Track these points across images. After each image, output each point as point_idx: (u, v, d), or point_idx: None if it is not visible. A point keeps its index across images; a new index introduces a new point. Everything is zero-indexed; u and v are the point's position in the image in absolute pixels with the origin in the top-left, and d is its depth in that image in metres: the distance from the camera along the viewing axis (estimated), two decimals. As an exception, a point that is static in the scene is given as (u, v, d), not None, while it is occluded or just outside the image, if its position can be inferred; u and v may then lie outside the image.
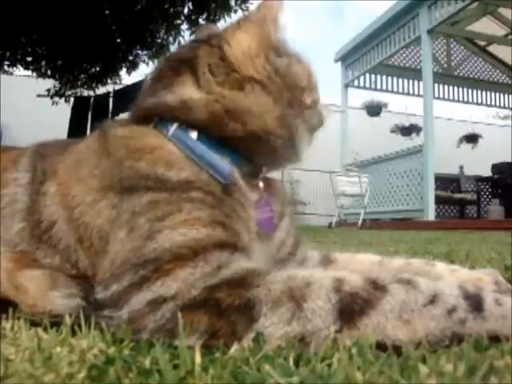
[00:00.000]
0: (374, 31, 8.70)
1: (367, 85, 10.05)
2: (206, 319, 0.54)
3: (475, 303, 0.54)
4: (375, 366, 0.44)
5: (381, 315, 0.53)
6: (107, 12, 6.28)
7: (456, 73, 10.57)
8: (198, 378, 0.43)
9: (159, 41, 6.97)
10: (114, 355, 0.50)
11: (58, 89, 7.79)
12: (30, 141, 0.93)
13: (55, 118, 7.41)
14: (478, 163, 10.09)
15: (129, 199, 0.69)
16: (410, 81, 10.27)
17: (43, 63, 7.22)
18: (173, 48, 7.06)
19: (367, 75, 9.92)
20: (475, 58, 10.65)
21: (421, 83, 8.75)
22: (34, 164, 0.82)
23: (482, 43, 10.26)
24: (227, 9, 6.24)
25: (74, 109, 7.83)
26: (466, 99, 10.96)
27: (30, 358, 0.50)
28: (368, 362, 0.46)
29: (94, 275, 0.68)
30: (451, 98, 10.82)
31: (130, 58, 7.26)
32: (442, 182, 9.30)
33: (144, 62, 7.37)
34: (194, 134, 0.75)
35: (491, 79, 10.78)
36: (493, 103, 11.13)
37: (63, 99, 7.87)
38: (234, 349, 0.51)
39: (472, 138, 11.06)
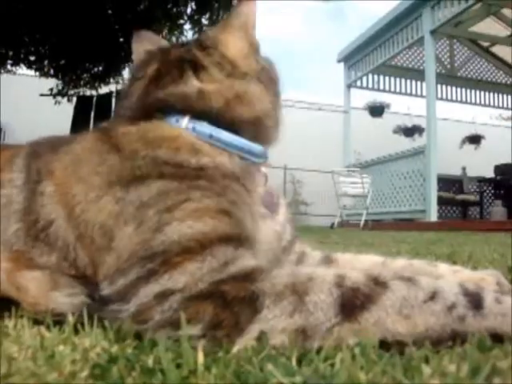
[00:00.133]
0: (377, 32, 8.69)
1: (370, 85, 10.04)
2: (211, 309, 0.55)
3: (475, 301, 0.55)
4: (378, 366, 0.44)
5: (381, 310, 0.54)
6: (110, 12, 6.29)
7: (459, 74, 10.56)
8: (200, 377, 0.43)
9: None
10: (116, 354, 0.50)
11: (60, 88, 7.80)
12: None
13: (58, 118, 7.41)
14: (481, 164, 10.06)
15: (136, 190, 0.70)
16: (413, 81, 10.26)
17: (46, 62, 7.23)
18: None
19: (370, 76, 9.91)
20: (478, 59, 10.64)
21: (424, 84, 8.74)
22: (29, 164, 0.82)
23: (486, 44, 10.24)
24: (230, 9, 6.24)
25: (76, 108, 7.84)
26: (468, 100, 10.94)
27: (33, 357, 0.50)
28: (371, 361, 0.46)
29: (94, 273, 0.68)
30: (454, 98, 10.81)
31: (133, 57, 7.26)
32: (445, 182, 9.29)
33: (147, 61, 7.37)
34: (205, 124, 0.80)
35: (494, 80, 10.77)
36: (496, 104, 11.11)
37: (66, 99, 7.88)
38: (237, 348, 0.51)
39: (475, 139, 11.03)
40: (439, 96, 9.95)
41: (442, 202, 8.23)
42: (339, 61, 10.14)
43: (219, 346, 0.53)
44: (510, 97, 10.98)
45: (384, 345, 0.52)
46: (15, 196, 0.78)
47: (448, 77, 10.33)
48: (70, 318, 0.64)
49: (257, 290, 0.56)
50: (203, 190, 0.69)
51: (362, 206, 7.64)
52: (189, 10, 6.42)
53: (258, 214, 0.79)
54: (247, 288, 0.56)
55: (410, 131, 10.70)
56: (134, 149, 0.74)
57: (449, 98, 10.73)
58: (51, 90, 7.80)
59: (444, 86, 10.56)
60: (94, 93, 7.91)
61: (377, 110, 10.20)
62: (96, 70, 7.48)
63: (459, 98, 10.86)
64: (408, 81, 10.30)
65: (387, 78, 10.19)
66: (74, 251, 0.71)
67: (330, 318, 0.54)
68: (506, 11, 8.40)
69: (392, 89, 10.27)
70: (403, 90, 10.36)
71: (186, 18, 6.50)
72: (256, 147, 0.83)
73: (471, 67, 10.67)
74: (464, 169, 10.43)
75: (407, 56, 10.04)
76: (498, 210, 8.39)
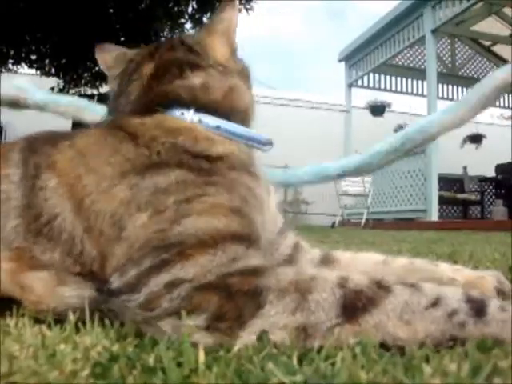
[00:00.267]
0: (378, 31, 8.68)
1: (371, 84, 10.04)
2: (216, 300, 0.56)
3: (477, 307, 0.55)
4: (379, 365, 0.44)
5: (382, 314, 0.54)
6: (111, 11, 6.30)
7: (460, 73, 10.54)
8: (201, 376, 0.43)
9: (163, 40, 6.98)
10: (117, 353, 0.50)
11: (61, 87, 7.80)
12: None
13: (58, 117, 7.41)
14: (482, 164, 10.04)
15: (152, 177, 0.70)
16: (414, 81, 10.25)
17: (47, 61, 7.25)
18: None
19: (371, 75, 9.91)
20: (480, 58, 10.62)
21: (425, 83, 8.73)
22: (25, 159, 0.81)
23: (487, 43, 10.23)
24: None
25: (77, 107, 7.85)
26: (470, 99, 10.92)
27: (34, 355, 0.50)
28: (372, 361, 0.46)
29: (101, 267, 0.68)
30: (455, 98, 10.79)
31: (134, 56, 7.26)
32: (446, 182, 9.27)
33: (148, 60, 7.37)
34: (210, 116, 0.84)
35: (496, 79, 10.75)
36: (497, 104, 11.09)
37: (67, 97, 7.90)
38: (238, 347, 0.51)
39: (476, 139, 11.02)
40: (440, 95, 9.93)
41: (442, 201, 8.22)
42: (340, 60, 10.13)
43: (221, 339, 0.54)
44: (511, 96, 10.96)
45: (384, 345, 0.52)
46: (13, 192, 0.77)
47: (449, 76, 10.32)
48: (71, 317, 0.64)
49: (261, 284, 0.57)
50: (218, 185, 0.71)
51: (363, 206, 7.64)
52: (190, 9, 6.43)
53: (264, 198, 0.82)
54: (252, 282, 0.58)
55: (411, 130, 10.67)
56: (152, 135, 0.76)
57: (450, 97, 10.71)
58: (52, 88, 7.79)
59: (445, 86, 10.54)
60: (94, 92, 7.92)
61: (378, 110, 10.19)
62: (97, 69, 7.48)
63: (460, 97, 10.84)
64: (409, 80, 10.29)
65: (388, 78, 10.18)
66: (81, 244, 0.70)
67: (331, 318, 0.54)
68: (507, 10, 8.38)
69: (393, 88, 10.26)
70: (404, 90, 10.35)
71: (187, 16, 6.51)
72: (262, 136, 0.89)
73: (472, 66, 10.65)
74: (465, 168, 10.41)
75: (408, 55, 10.03)
76: (499, 210, 8.38)
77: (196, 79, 0.86)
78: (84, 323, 0.62)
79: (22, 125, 9.41)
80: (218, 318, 0.56)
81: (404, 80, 10.29)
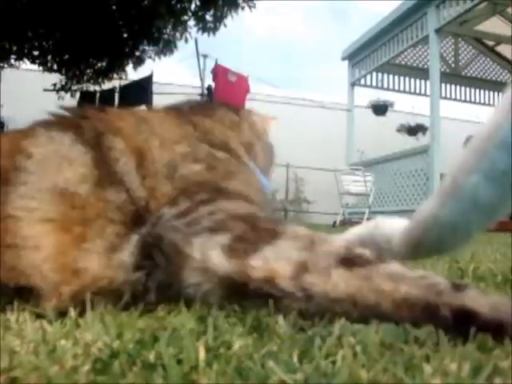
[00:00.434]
0: (382, 30, 8.66)
1: (374, 84, 10.01)
2: (242, 227, 0.71)
3: (458, 286, 0.58)
4: (380, 364, 0.44)
5: (376, 271, 0.61)
6: (114, 7, 6.29)
7: (464, 73, 10.51)
8: (201, 373, 0.43)
9: (166, 37, 6.97)
10: (118, 349, 0.50)
11: (64, 83, 7.80)
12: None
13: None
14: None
15: (206, 147, 0.90)
16: (417, 80, 10.23)
17: (50, 57, 7.23)
18: (180, 44, 7.07)
19: (374, 74, 9.88)
20: (483, 58, 10.59)
21: (428, 83, 8.72)
22: (77, 123, 0.86)
23: (491, 43, 10.19)
24: (234, 5, 6.24)
25: (79, 103, 7.84)
26: (473, 99, 10.90)
27: (35, 351, 0.50)
28: (372, 359, 0.46)
29: (147, 201, 0.77)
30: (458, 97, 10.77)
31: (137, 53, 7.26)
32: (448, 182, 9.23)
33: (150, 57, 7.37)
34: None
35: (499, 79, 10.71)
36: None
37: (69, 94, 7.89)
38: (239, 345, 0.51)
39: (478, 139, 10.97)
40: (443, 95, 9.91)
41: (444, 201, 8.19)
42: (343, 59, 10.11)
43: (235, 264, 0.65)
44: (514, 96, 10.91)
45: (384, 344, 0.52)
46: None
47: (452, 76, 10.29)
48: (72, 313, 0.65)
49: (281, 230, 0.70)
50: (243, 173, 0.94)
51: (365, 205, 7.63)
52: (193, 7, 6.41)
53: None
54: (275, 226, 0.72)
55: (414, 130, 10.67)
56: (209, 127, 0.99)
57: (453, 97, 10.68)
58: (54, 85, 7.81)
59: (448, 85, 10.51)
60: (97, 88, 7.92)
61: (380, 109, 10.17)
62: (99, 65, 7.49)
63: (463, 97, 10.81)
64: (412, 79, 10.27)
65: (391, 77, 10.15)
66: (137, 192, 0.78)
67: (330, 263, 0.63)
68: (511, 10, 8.35)
69: (396, 87, 10.24)
70: (407, 89, 10.33)
71: (190, 14, 6.49)
72: (269, 186, 1.16)
73: (476, 66, 10.62)
74: (467, 168, 10.38)
75: (412, 55, 10.00)
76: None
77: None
78: (84, 319, 0.62)
79: (24, 121, 9.44)
80: (240, 239, 0.68)
81: (407, 79, 10.26)
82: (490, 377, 0.41)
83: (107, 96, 7.74)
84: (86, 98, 7.85)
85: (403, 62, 10.01)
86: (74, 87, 7.92)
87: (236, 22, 6.47)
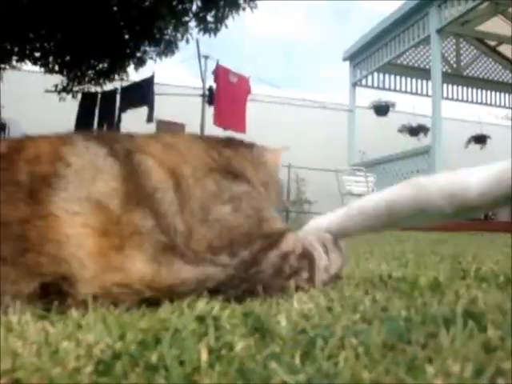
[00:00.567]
0: (383, 30, 8.66)
1: (375, 84, 10.01)
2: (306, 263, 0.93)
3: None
4: (382, 365, 0.44)
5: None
6: (115, 8, 6.30)
7: (465, 73, 10.50)
8: (204, 374, 0.43)
9: (167, 38, 6.97)
10: (120, 350, 0.50)
11: (65, 84, 7.81)
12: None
13: (62, 114, 7.43)
14: (487, 164, 10.00)
15: (229, 181, 0.93)
16: (419, 80, 10.22)
17: (51, 59, 7.24)
18: (181, 45, 7.07)
19: (375, 74, 9.88)
20: (485, 58, 10.57)
21: (429, 83, 8.70)
22: (109, 144, 0.87)
23: (492, 43, 10.18)
24: (235, 6, 6.24)
25: (81, 105, 7.86)
26: (475, 100, 10.89)
27: (37, 352, 0.50)
28: (375, 360, 0.46)
29: (187, 240, 0.80)
30: (460, 98, 10.76)
31: (138, 54, 7.26)
32: (449, 182, 9.22)
33: (152, 58, 7.37)
34: None
35: (501, 80, 10.70)
36: (502, 104, 11.05)
37: (70, 95, 7.90)
38: (241, 346, 0.51)
39: (480, 139, 10.97)
40: (445, 95, 9.90)
41: (446, 201, 8.18)
42: (345, 59, 10.11)
43: (267, 248, 0.86)
44: (516, 97, 10.91)
45: (387, 345, 0.51)
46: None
47: (454, 76, 10.28)
48: (74, 314, 0.65)
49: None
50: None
51: (366, 205, 7.61)
52: (194, 8, 6.42)
53: None
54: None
55: (415, 130, 10.66)
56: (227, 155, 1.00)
57: (455, 97, 10.67)
58: (56, 86, 7.82)
59: (450, 86, 10.50)
60: (98, 89, 7.93)
61: (382, 109, 10.16)
62: (101, 66, 7.49)
63: (465, 98, 10.80)
64: (414, 80, 10.26)
65: (393, 77, 10.15)
66: (173, 218, 0.81)
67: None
68: (513, 10, 8.34)
69: (397, 88, 10.23)
70: (409, 89, 10.32)
71: (191, 15, 6.50)
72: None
73: (478, 66, 10.61)
74: (469, 169, 10.36)
75: (413, 55, 9.99)
76: (503, 211, 8.35)
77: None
78: (87, 320, 0.62)
79: (25, 122, 9.46)
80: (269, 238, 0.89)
81: (408, 80, 10.25)
82: (493, 378, 0.41)
83: (108, 97, 7.75)
84: (88, 99, 7.86)
85: (405, 63, 10.00)
86: (76, 88, 7.92)
87: (237, 23, 6.48)
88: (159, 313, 0.70)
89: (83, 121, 7.60)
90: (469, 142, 11.08)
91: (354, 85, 9.91)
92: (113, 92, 7.81)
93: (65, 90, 7.83)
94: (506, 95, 10.92)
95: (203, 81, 8.09)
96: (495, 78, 10.68)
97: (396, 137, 10.61)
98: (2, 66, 7.38)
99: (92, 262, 0.72)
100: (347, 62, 10.09)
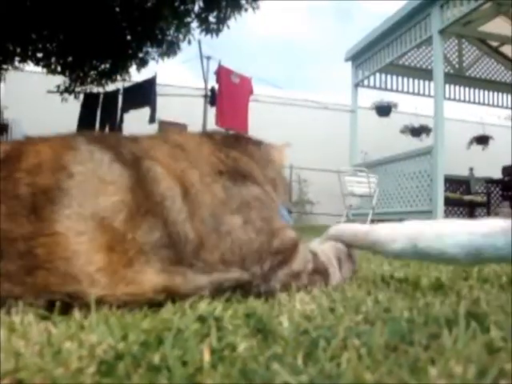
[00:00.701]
0: (385, 31, 8.64)
1: (377, 85, 9.99)
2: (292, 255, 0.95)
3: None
4: (384, 366, 0.44)
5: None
6: (117, 9, 6.30)
7: (467, 73, 10.47)
8: (206, 375, 0.43)
9: (169, 38, 6.97)
10: (123, 351, 0.50)
11: (67, 85, 7.82)
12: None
13: (64, 115, 7.44)
14: (489, 165, 9.98)
15: (239, 187, 0.92)
16: (421, 81, 10.19)
17: (53, 59, 7.25)
18: (183, 46, 7.08)
19: (377, 75, 9.86)
20: (487, 59, 10.55)
21: (431, 84, 8.67)
22: (115, 147, 0.86)
23: (495, 44, 10.15)
24: (237, 7, 6.24)
25: (83, 105, 7.87)
26: (477, 100, 10.86)
27: (40, 352, 0.50)
28: (377, 361, 0.46)
29: (197, 248, 0.80)
30: (462, 98, 10.72)
31: (140, 55, 7.27)
32: (452, 183, 9.22)
33: (154, 59, 7.37)
34: None
35: (503, 80, 10.67)
36: (505, 105, 11.02)
37: (73, 95, 7.91)
38: (243, 347, 0.51)
39: (483, 140, 10.95)
40: (447, 96, 9.87)
41: (448, 202, 8.17)
42: (347, 60, 10.09)
43: (277, 266, 0.90)
44: (518, 97, 10.88)
45: (390, 346, 0.51)
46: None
47: (456, 77, 10.25)
48: (77, 315, 0.65)
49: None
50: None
51: (369, 206, 7.61)
52: (196, 8, 6.41)
53: None
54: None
55: (418, 131, 10.64)
56: (234, 156, 1.00)
57: (457, 98, 10.64)
58: (58, 86, 7.83)
59: (452, 86, 10.47)
60: (100, 90, 7.94)
61: (384, 110, 10.15)
62: (103, 67, 7.50)
63: (467, 98, 10.77)
64: (416, 80, 10.23)
65: (395, 78, 10.12)
66: (183, 226, 0.80)
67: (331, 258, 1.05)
68: (515, 11, 8.32)
69: (399, 88, 10.20)
70: (411, 90, 10.29)
71: (193, 16, 6.49)
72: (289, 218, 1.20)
73: (480, 67, 10.58)
74: (471, 169, 10.35)
75: (415, 55, 9.97)
76: (505, 211, 8.33)
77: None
78: (89, 321, 0.62)
79: (28, 122, 9.48)
80: (279, 254, 0.92)
81: (411, 80, 10.23)
82: (496, 379, 0.41)
83: (111, 98, 7.76)
84: (90, 99, 7.87)
85: (407, 63, 9.98)
86: (78, 89, 7.93)
87: (239, 24, 6.48)
88: (161, 313, 0.70)
89: (85, 121, 7.61)
90: (471, 142, 11.06)
91: (356, 85, 9.89)
92: (115, 93, 7.82)
93: (67, 90, 7.84)
94: (509, 96, 10.89)
95: (205, 81, 8.09)
96: (497, 79, 10.66)
97: (398, 137, 10.60)
98: (5, 66, 7.39)
99: (103, 276, 0.71)
100: (349, 63, 10.07)
